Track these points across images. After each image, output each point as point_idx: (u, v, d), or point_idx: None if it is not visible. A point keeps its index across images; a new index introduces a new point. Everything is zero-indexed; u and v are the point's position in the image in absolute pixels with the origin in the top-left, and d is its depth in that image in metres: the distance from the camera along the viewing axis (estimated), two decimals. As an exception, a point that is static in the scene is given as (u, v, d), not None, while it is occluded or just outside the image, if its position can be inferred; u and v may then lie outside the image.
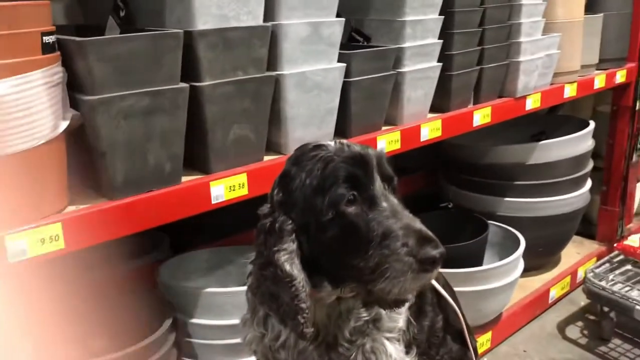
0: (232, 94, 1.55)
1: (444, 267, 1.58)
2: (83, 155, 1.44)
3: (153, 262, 2.32)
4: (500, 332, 2.72)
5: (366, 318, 1.19)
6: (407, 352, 1.25)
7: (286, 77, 1.65)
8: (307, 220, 1.09)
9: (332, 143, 1.13)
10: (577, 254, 3.30)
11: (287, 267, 1.07)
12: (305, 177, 1.10)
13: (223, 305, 1.76)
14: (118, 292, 1.94)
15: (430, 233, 1.03)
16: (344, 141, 1.14)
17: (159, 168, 1.45)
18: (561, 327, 2.89)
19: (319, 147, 1.12)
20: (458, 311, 1.47)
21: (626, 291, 2.60)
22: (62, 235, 1.30)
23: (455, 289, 1.71)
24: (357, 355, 1.18)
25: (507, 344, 2.76)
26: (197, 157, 1.58)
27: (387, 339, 1.20)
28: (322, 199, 1.06)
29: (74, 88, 1.37)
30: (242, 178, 1.62)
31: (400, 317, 1.23)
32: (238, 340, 1.79)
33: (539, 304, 2.94)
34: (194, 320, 1.79)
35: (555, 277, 3.04)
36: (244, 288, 1.79)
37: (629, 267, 2.76)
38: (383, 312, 1.19)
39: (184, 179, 1.54)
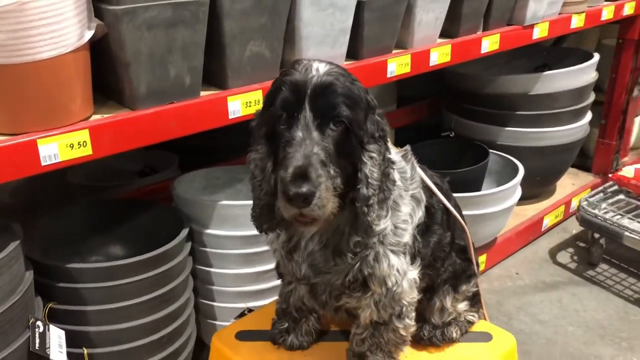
0: (249, 10, 1.57)
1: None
2: (106, 66, 1.48)
3: (164, 180, 2.40)
4: (494, 255, 2.85)
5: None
6: (411, 263, 1.34)
7: (302, -5, 1.67)
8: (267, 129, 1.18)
9: (309, 63, 1.15)
10: (572, 184, 3.40)
11: (252, 166, 1.21)
12: (269, 91, 1.19)
13: (237, 217, 1.85)
14: (134, 205, 2.02)
15: (306, 171, 1.05)
16: (316, 65, 1.14)
17: (179, 80, 1.50)
18: (552, 253, 3.03)
19: (293, 65, 1.17)
20: (465, 228, 1.55)
21: (617, 219, 2.71)
22: (89, 142, 1.36)
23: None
24: (361, 265, 1.27)
25: (500, 267, 2.90)
26: (215, 72, 1.62)
27: (392, 251, 1.28)
28: (267, 114, 1.16)
29: (98, -2, 1.40)
30: (258, 94, 1.66)
31: (405, 233, 1.29)
32: (250, 250, 1.90)
33: (532, 231, 3.06)
34: (209, 231, 1.88)
35: (550, 206, 3.15)
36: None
37: (621, 197, 2.86)
38: (389, 227, 1.26)
39: (203, 93, 1.58)
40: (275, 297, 1.97)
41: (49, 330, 1.49)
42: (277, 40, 1.68)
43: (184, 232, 1.79)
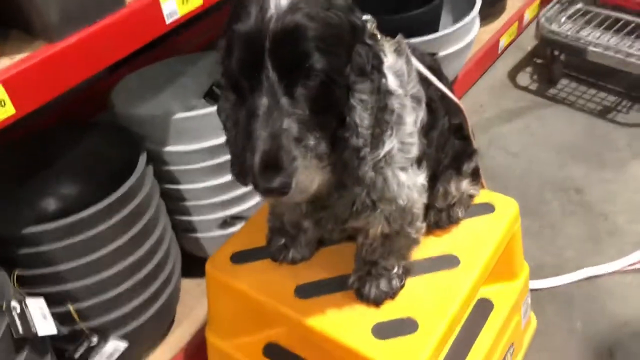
0: None
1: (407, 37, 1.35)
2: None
3: (89, 87, 2.09)
4: (457, 92, 2.72)
5: (377, 158, 1.07)
6: (418, 168, 1.20)
7: None
8: None
9: None
10: (521, -4, 3.22)
11: (222, 117, 1.03)
12: (225, 37, 0.92)
13: (197, 129, 1.62)
14: (70, 130, 1.74)
15: (276, 158, 0.84)
16: None
17: (97, -8, 1.18)
18: (512, 76, 2.95)
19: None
20: (461, 105, 1.40)
21: (577, 32, 2.60)
22: (8, 99, 1.08)
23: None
24: (369, 191, 1.11)
25: (463, 101, 2.77)
26: (136, -33, 1.29)
27: (400, 168, 1.13)
28: (227, 66, 0.92)
29: None
30: (193, -16, 1.35)
31: (413, 147, 1.13)
32: (218, 161, 1.70)
33: (489, 56, 2.94)
34: (168, 149, 1.65)
35: (504, 25, 2.99)
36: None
37: (579, 5, 2.72)
38: (395, 147, 1.09)
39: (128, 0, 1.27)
40: (256, 201, 1.85)
41: (26, 306, 1.32)
42: None
43: (143, 157, 1.55)
